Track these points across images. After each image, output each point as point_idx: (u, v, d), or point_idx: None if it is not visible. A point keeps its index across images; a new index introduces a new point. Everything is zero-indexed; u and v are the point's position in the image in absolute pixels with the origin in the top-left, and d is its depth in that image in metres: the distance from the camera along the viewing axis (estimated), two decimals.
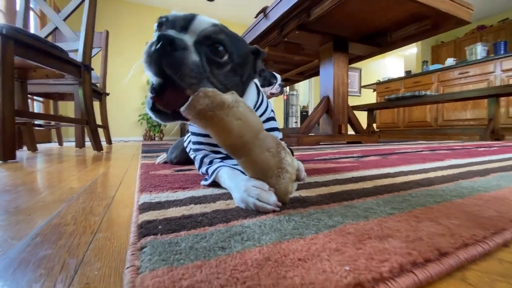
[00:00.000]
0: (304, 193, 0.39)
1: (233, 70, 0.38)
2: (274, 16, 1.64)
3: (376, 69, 7.07)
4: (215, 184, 0.45)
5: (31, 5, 1.68)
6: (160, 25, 0.38)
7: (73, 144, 2.47)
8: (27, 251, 0.24)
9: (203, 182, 0.47)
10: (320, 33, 1.79)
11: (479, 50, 3.36)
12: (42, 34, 1.59)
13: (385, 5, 1.49)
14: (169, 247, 0.21)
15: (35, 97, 3.03)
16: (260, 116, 0.52)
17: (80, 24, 1.55)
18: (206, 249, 0.20)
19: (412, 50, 5.60)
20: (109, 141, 2.64)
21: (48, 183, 0.58)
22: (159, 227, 0.25)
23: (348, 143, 1.97)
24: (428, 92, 2.98)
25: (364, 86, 5.20)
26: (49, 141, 3.59)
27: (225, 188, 0.42)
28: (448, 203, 0.33)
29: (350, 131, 2.13)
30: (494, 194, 0.38)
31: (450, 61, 3.70)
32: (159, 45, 0.30)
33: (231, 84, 0.38)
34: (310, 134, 1.83)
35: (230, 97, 0.32)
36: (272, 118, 0.56)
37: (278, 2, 1.57)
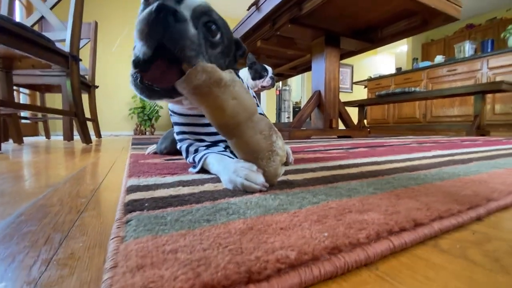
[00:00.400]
0: (291, 177, 0.39)
1: (222, 52, 0.38)
2: (266, 8, 1.63)
3: (368, 66, 7.13)
4: (204, 171, 0.45)
5: None
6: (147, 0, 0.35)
7: (61, 137, 2.42)
8: (11, 227, 0.24)
9: (191, 169, 0.47)
10: (312, 27, 1.79)
11: (467, 47, 3.43)
12: (27, 23, 1.54)
13: (375, 0, 1.50)
14: (155, 219, 0.21)
15: (21, 89, 2.94)
16: None
17: (68, 14, 1.51)
18: (192, 221, 0.21)
19: (403, 48, 5.67)
20: (98, 135, 2.59)
21: (34, 171, 0.57)
22: (146, 204, 0.26)
23: (339, 137, 2.00)
24: (417, 89, 3.03)
25: (356, 83, 5.26)
26: (37, 135, 3.50)
27: (214, 174, 0.42)
28: (429, 185, 0.34)
29: (341, 127, 2.16)
30: (473, 177, 0.40)
31: (439, 58, 3.77)
32: (161, 14, 0.28)
33: (223, 65, 0.38)
34: (301, 128, 1.85)
35: (228, 75, 0.31)
36: (262, 115, 0.56)
37: None
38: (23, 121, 2.42)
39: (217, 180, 0.38)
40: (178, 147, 0.54)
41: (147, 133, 4.61)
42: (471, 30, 4.87)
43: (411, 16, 1.71)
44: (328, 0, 1.42)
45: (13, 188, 0.40)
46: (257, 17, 1.73)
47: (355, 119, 3.59)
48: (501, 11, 4.79)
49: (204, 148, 0.47)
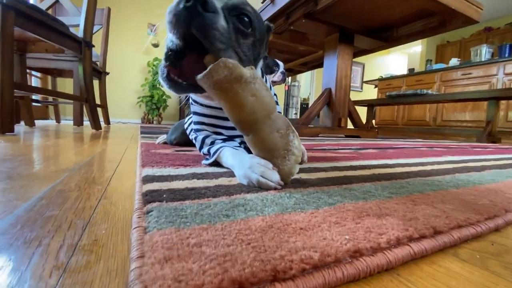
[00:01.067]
0: (304, 176, 0.40)
1: (253, 44, 0.38)
2: (281, 2, 1.61)
3: (380, 65, 7.01)
4: (216, 164, 0.46)
5: None
6: None
7: (71, 122, 2.46)
8: (34, 211, 0.24)
9: (204, 161, 0.47)
10: (326, 23, 1.76)
11: (484, 51, 3.34)
12: (42, 6, 1.55)
13: None
14: (175, 212, 0.21)
15: (33, 72, 2.97)
16: None
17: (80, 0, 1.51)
18: (211, 216, 0.21)
19: (416, 48, 5.55)
20: (107, 121, 2.62)
21: (47, 155, 0.58)
22: (164, 195, 0.26)
23: (346, 136, 1.98)
24: (429, 91, 2.97)
25: (366, 82, 5.18)
26: (46, 118, 3.56)
27: (227, 168, 0.42)
28: (444, 192, 0.34)
29: (350, 125, 2.14)
30: (488, 186, 0.39)
31: (454, 61, 3.68)
32: (190, 3, 0.28)
33: (251, 58, 0.38)
34: (310, 125, 1.84)
35: (248, 71, 0.31)
36: (276, 103, 0.56)
37: None
38: (34, 104, 2.46)
39: (231, 174, 0.38)
40: (192, 137, 0.54)
41: (154, 122, 4.64)
42: (489, 33, 4.73)
43: (429, 17, 1.67)
44: None
45: (29, 171, 0.41)
46: (271, 10, 1.71)
47: (363, 118, 3.56)
48: None
49: (221, 141, 0.48)
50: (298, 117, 5.58)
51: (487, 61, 3.31)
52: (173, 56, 0.32)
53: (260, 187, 0.31)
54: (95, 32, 2.37)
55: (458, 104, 3.47)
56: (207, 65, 0.30)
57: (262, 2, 1.80)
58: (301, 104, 6.16)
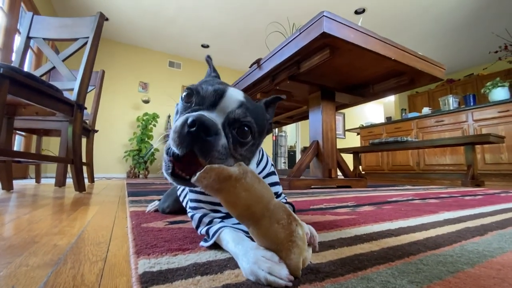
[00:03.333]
0: (314, 258, 0.37)
1: (253, 144, 0.39)
2: (267, 67, 1.76)
3: (359, 114, 7.50)
4: (215, 245, 0.43)
5: (30, 44, 1.72)
6: (189, 95, 0.37)
7: (52, 180, 2.34)
8: None
9: (202, 244, 0.44)
10: (309, 83, 1.92)
11: (451, 101, 3.68)
12: (39, 72, 1.61)
13: (367, 61, 1.64)
14: None
15: (17, 131, 2.93)
16: (261, 171, 0.52)
17: (76, 62, 1.59)
18: None
19: (390, 98, 6.07)
20: (91, 179, 2.52)
21: (28, 238, 0.53)
22: None
23: (338, 187, 1.98)
24: (409, 138, 3.15)
25: (349, 130, 5.45)
26: (25, 177, 3.39)
27: (226, 251, 0.40)
28: (462, 274, 0.32)
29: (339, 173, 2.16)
30: (500, 260, 0.38)
31: (426, 110, 4.01)
32: (193, 128, 0.30)
33: (250, 155, 0.38)
34: (301, 177, 1.84)
35: (237, 169, 0.32)
36: (273, 173, 0.56)
37: (272, 56, 1.70)
38: (14, 163, 2.36)
39: (234, 262, 0.35)
40: (189, 214, 0.52)
41: (140, 175, 4.52)
42: (452, 84, 5.30)
43: (400, 75, 1.86)
44: (324, 62, 1.54)
45: (9, 270, 0.36)
46: (258, 74, 1.85)
47: (350, 165, 3.64)
48: (478, 68, 5.28)
49: (219, 220, 0.45)
50: (287, 165, 5.63)
51: (456, 109, 3.62)
52: (176, 156, 0.33)
53: (269, 285, 0.28)
54: (88, 92, 2.44)
55: (437, 149, 3.65)
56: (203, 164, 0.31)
57: (250, 67, 1.97)
58: (288, 152, 6.29)
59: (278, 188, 0.56)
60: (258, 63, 1.83)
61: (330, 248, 0.42)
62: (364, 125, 5.02)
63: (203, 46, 5.16)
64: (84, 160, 2.40)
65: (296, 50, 1.49)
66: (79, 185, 1.51)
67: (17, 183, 2.36)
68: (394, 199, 1.21)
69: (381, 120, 7.40)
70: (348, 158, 3.79)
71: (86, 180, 2.59)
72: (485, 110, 3.33)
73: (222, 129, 0.34)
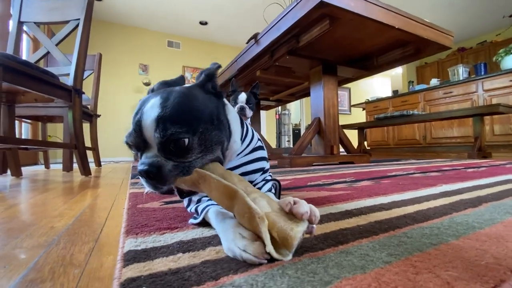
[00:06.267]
0: None
1: (204, 138, 0.36)
2: (265, 42, 1.69)
3: (365, 88, 7.30)
4: (204, 222, 0.44)
5: (25, 29, 1.69)
6: (129, 146, 0.39)
7: (61, 166, 2.41)
8: None
9: (191, 221, 0.45)
10: (309, 57, 1.85)
11: (461, 71, 3.53)
12: (34, 58, 1.59)
13: (370, 32, 1.56)
14: None
15: (23, 119, 2.97)
16: (246, 147, 0.51)
17: (73, 46, 1.56)
18: None
19: (398, 70, 5.84)
20: (98, 163, 2.58)
21: (28, 221, 0.55)
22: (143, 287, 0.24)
23: (340, 163, 1.98)
24: (415, 111, 3.07)
25: (354, 105, 5.34)
26: (36, 163, 3.49)
27: (213, 229, 0.40)
28: (445, 246, 0.32)
29: (343, 150, 2.15)
30: (489, 231, 0.37)
31: (434, 82, 3.86)
32: (146, 178, 0.35)
33: (214, 146, 0.38)
34: (302, 155, 1.84)
35: (196, 175, 0.36)
36: (259, 148, 0.55)
37: (269, 29, 1.63)
38: (23, 150, 2.42)
39: (218, 240, 0.36)
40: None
41: None
42: (463, 53, 5.05)
43: (405, 46, 1.77)
44: (325, 33, 1.47)
45: (4, 250, 0.38)
46: (256, 49, 1.79)
47: (355, 141, 3.61)
48: (491, 34, 4.99)
49: (208, 199, 0.46)
50: (291, 143, 5.63)
51: (465, 79, 3.48)
52: None
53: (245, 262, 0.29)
54: (87, 77, 2.43)
55: (445, 121, 3.57)
56: None
57: (247, 42, 1.90)
58: (293, 130, 6.26)
59: (264, 164, 0.55)
60: (255, 38, 1.76)
61: (318, 223, 0.43)
62: (370, 99, 4.90)
63: (201, 23, 4.98)
64: (89, 145, 2.44)
65: (294, 22, 1.42)
66: (84, 169, 1.55)
67: (27, 169, 2.44)
68: (394, 173, 1.21)
69: (389, 94, 7.19)
70: (353, 134, 3.75)
71: (93, 165, 2.65)
72: (496, 79, 3.19)
73: (162, 155, 0.35)
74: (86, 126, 2.49)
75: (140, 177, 0.36)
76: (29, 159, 3.35)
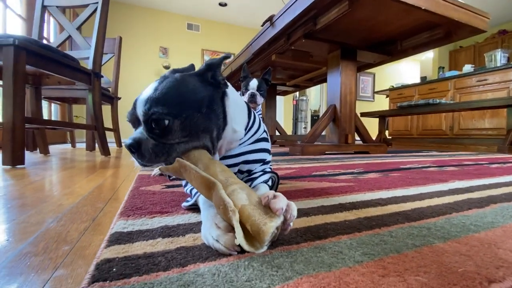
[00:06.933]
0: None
1: (187, 123, 0.38)
2: (280, 24, 1.63)
3: (391, 74, 6.91)
4: (196, 207, 0.45)
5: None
6: (129, 122, 0.42)
7: (85, 145, 2.55)
8: None
9: (184, 204, 0.47)
10: (327, 41, 1.76)
11: (499, 56, 3.21)
12: (57, 42, 1.66)
13: (393, 14, 1.45)
14: None
15: (52, 100, 3.16)
16: (251, 136, 0.52)
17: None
18: None
19: (428, 55, 5.42)
20: (119, 144, 2.71)
21: (41, 198, 0.59)
22: (114, 269, 0.25)
23: (355, 153, 1.93)
24: (443, 100, 2.87)
25: (377, 92, 5.09)
26: (65, 142, 3.73)
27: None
28: (427, 248, 0.31)
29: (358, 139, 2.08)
30: (483, 235, 0.35)
31: (467, 68, 3.56)
32: (131, 150, 0.38)
33: (200, 133, 0.39)
34: (315, 143, 1.81)
35: (177, 164, 0.36)
36: (263, 139, 0.55)
37: (284, 11, 1.57)
38: (52, 130, 2.59)
39: (200, 228, 0.37)
40: None
41: None
42: (503, 36, 4.56)
43: (434, 28, 1.63)
44: (344, 15, 1.38)
45: (11, 224, 0.41)
46: (272, 32, 1.74)
47: (376, 129, 3.47)
48: None
49: None
50: (308, 130, 5.53)
51: (503, 66, 3.17)
52: None
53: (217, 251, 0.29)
54: (107, 61, 2.50)
55: (476, 111, 3.31)
56: None
57: (262, 25, 1.84)
58: (312, 117, 6.12)
59: (266, 156, 0.55)
60: (270, 20, 1.70)
61: (303, 216, 0.43)
62: (395, 86, 4.64)
63: (220, 4, 4.88)
64: (110, 126, 2.55)
65: (310, 3, 1.35)
66: (104, 150, 1.63)
67: (56, 147, 2.62)
68: (408, 166, 1.16)
69: (417, 80, 6.76)
70: (374, 123, 3.60)
71: (114, 145, 2.79)
72: None
73: (146, 133, 0.38)
74: (107, 109, 2.60)
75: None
76: (59, 138, 3.59)
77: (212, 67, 0.43)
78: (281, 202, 0.31)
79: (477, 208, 0.49)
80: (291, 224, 0.32)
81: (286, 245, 0.31)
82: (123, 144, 3.21)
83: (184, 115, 0.37)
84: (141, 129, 0.39)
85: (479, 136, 3.33)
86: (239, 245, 0.29)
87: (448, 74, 3.79)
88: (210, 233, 0.31)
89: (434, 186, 0.70)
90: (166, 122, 0.36)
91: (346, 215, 0.43)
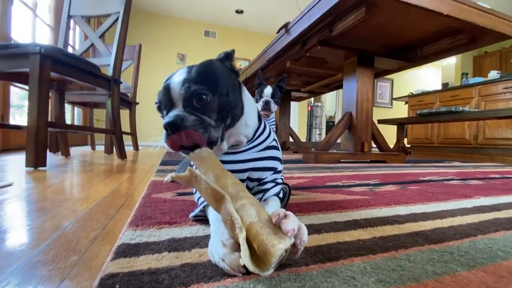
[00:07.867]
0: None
1: (221, 101, 0.40)
2: (295, 32, 1.63)
3: (410, 80, 6.70)
4: (205, 218, 0.44)
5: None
6: (159, 107, 0.44)
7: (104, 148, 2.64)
8: None
9: (191, 214, 0.47)
10: (343, 48, 1.74)
11: None
12: (80, 50, 1.74)
13: (413, 19, 1.41)
14: None
15: (75, 105, 3.30)
16: (259, 144, 0.51)
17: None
18: None
19: (450, 60, 5.21)
20: (136, 147, 2.78)
21: (58, 201, 0.61)
22: (117, 286, 0.25)
23: (371, 161, 1.87)
24: (466, 108, 2.73)
25: (396, 99, 4.95)
26: (86, 144, 3.89)
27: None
28: (449, 278, 0.28)
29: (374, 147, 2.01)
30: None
31: (493, 74, 3.39)
32: (169, 131, 0.38)
33: (229, 114, 0.42)
34: (329, 151, 1.77)
35: (188, 173, 0.36)
36: (273, 147, 0.54)
37: (300, 18, 1.56)
38: (74, 133, 2.71)
39: (207, 242, 0.36)
40: None
41: None
42: None
43: (456, 34, 1.57)
44: (360, 22, 1.36)
45: (25, 229, 0.43)
46: (287, 39, 1.74)
47: (393, 137, 3.36)
48: None
49: None
50: (323, 137, 5.45)
51: None
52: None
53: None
54: (127, 67, 2.59)
55: (503, 120, 3.13)
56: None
57: (277, 32, 1.84)
58: (327, 122, 6.03)
59: (277, 164, 0.54)
60: (286, 27, 1.70)
61: (315, 233, 0.41)
62: (414, 93, 4.49)
63: (237, 11, 4.97)
64: (128, 131, 2.63)
65: (326, 10, 1.34)
66: (121, 153, 1.68)
67: (77, 149, 2.73)
68: (428, 178, 1.10)
69: (438, 87, 6.52)
70: (393, 130, 3.49)
71: (131, 148, 2.87)
72: None
73: (184, 110, 0.39)
74: (126, 113, 2.69)
75: (164, 131, 0.39)
76: (80, 140, 3.75)
77: (229, 56, 0.47)
78: (292, 223, 0.29)
79: (505, 230, 0.45)
80: (302, 248, 0.30)
81: (294, 266, 0.30)
82: (140, 147, 3.25)
83: (219, 92, 0.40)
84: (175, 111, 0.40)
85: (506, 146, 3.14)
86: (244, 266, 0.28)
87: (472, 80, 3.62)
88: (217, 250, 0.30)
89: (456, 202, 0.66)
90: (207, 97, 0.39)
91: (360, 234, 0.41)
